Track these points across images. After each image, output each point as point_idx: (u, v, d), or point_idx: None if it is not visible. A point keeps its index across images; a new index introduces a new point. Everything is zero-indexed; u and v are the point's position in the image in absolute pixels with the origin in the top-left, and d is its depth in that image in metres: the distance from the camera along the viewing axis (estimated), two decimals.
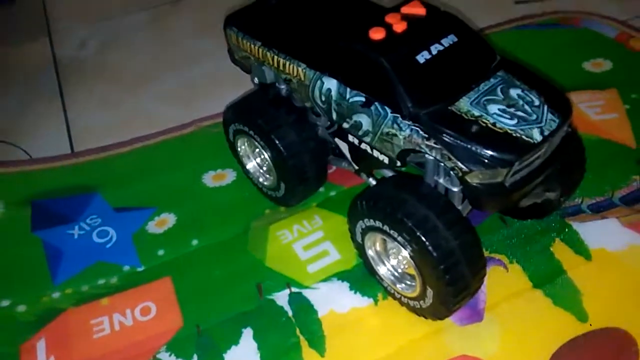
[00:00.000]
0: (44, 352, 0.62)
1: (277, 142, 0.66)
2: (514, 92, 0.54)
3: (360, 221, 0.59)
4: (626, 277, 0.63)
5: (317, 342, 0.61)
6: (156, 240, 0.74)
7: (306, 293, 0.65)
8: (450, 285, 0.53)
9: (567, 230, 0.68)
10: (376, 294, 0.64)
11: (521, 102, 0.54)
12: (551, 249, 0.66)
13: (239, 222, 0.75)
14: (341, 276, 0.67)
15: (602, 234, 0.67)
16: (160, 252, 0.72)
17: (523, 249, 0.67)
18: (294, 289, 0.66)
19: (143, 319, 0.65)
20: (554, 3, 1.11)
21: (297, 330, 0.62)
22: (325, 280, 0.67)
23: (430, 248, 0.52)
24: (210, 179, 0.82)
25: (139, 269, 0.71)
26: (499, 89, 0.55)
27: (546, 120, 0.53)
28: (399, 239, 0.54)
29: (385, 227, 0.55)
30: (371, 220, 0.57)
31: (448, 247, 0.52)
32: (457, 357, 0.58)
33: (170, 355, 0.61)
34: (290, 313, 0.64)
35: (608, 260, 0.65)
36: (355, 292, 0.65)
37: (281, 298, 0.65)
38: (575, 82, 0.89)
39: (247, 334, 0.62)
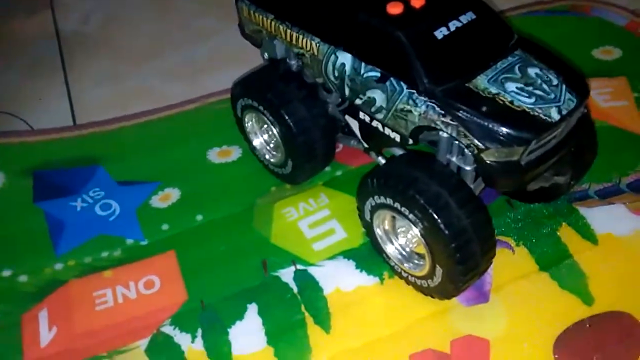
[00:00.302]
0: (46, 323, 0.61)
1: (286, 117, 0.65)
2: (532, 71, 0.54)
3: (370, 198, 0.59)
4: (632, 262, 0.63)
5: (323, 319, 0.60)
6: (160, 215, 0.73)
7: (312, 270, 0.65)
8: (461, 264, 0.53)
9: (574, 214, 0.68)
10: (382, 273, 0.64)
11: (539, 81, 0.53)
12: (558, 233, 0.66)
13: (244, 199, 0.74)
14: (347, 254, 0.66)
15: (609, 219, 0.67)
16: (164, 227, 0.72)
17: (530, 232, 0.66)
18: (299, 266, 0.66)
19: (147, 292, 0.64)
20: None
21: (302, 307, 0.62)
22: (331, 258, 0.66)
23: (442, 226, 0.52)
24: (215, 155, 0.81)
25: (143, 243, 0.70)
26: (516, 68, 0.54)
27: (564, 99, 0.52)
28: (410, 216, 0.54)
29: (396, 205, 0.55)
30: (382, 198, 0.57)
31: (460, 225, 0.52)
32: (463, 337, 0.58)
33: (174, 329, 0.61)
34: (295, 290, 0.63)
35: (614, 245, 0.65)
36: (361, 271, 0.64)
37: (286, 275, 0.65)
38: (584, 69, 0.87)
39: (252, 309, 0.62)
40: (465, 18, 0.55)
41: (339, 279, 0.64)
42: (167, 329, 0.61)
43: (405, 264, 0.60)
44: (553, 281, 0.62)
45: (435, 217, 0.52)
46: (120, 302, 0.63)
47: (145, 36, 1.10)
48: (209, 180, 0.78)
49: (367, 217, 0.62)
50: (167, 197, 0.76)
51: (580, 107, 0.53)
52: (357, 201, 0.62)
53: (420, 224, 0.54)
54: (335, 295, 0.63)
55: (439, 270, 0.55)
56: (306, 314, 0.61)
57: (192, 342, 0.59)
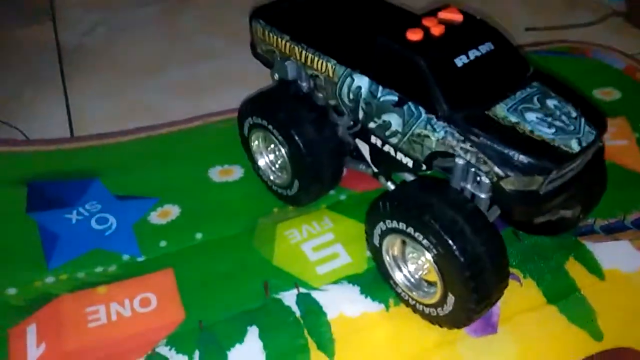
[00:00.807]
0: (35, 338, 0.58)
1: (296, 137, 0.65)
2: (550, 102, 0.54)
3: (381, 222, 0.58)
4: (639, 298, 0.62)
5: (326, 345, 0.58)
6: (158, 231, 0.71)
7: (315, 294, 0.63)
8: (475, 292, 0.51)
9: (580, 249, 0.67)
10: (387, 300, 0.62)
11: (558, 113, 0.53)
12: (565, 267, 0.66)
13: (246, 219, 0.72)
14: (352, 279, 0.65)
15: (614, 255, 0.66)
16: (162, 244, 0.69)
17: (537, 265, 0.66)
18: (302, 290, 0.64)
19: (142, 310, 0.61)
20: (562, 33, 1.14)
21: (305, 332, 0.59)
22: (335, 282, 0.64)
23: (457, 252, 0.51)
24: (216, 174, 0.80)
25: (139, 259, 0.67)
26: (535, 98, 0.54)
27: (584, 131, 0.52)
28: (424, 242, 0.53)
29: (410, 230, 0.54)
30: (394, 222, 0.56)
31: (475, 253, 0.51)
32: None
33: (170, 350, 0.58)
34: (298, 314, 0.61)
35: (621, 281, 0.64)
36: (366, 297, 0.63)
37: (289, 298, 0.63)
38: None
39: (253, 332, 0.59)
40: (484, 48, 0.55)
41: (343, 304, 0.62)
42: (163, 350, 0.58)
43: (414, 292, 0.59)
44: (561, 315, 0.61)
45: (451, 243, 0.51)
46: (113, 319, 0.60)
47: (149, 52, 1.10)
48: (209, 198, 0.76)
49: (376, 241, 0.60)
50: (166, 214, 0.74)
51: (598, 139, 0.53)
52: (366, 225, 0.61)
53: (434, 250, 0.52)
54: (340, 320, 0.60)
55: (450, 299, 0.54)
56: (309, 339, 0.59)
57: None
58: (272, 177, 0.74)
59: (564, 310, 0.61)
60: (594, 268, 0.65)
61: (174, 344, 0.58)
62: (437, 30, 0.55)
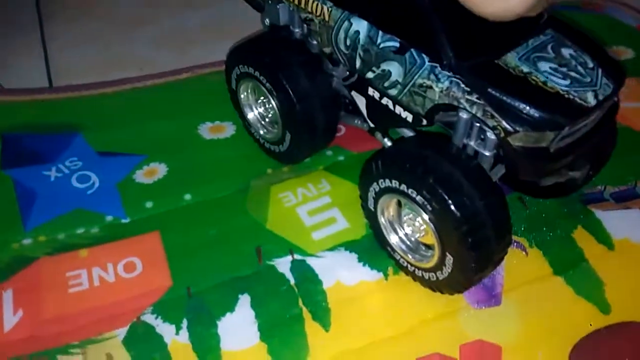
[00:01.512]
0: (11, 305, 0.55)
1: (284, 82, 0.60)
2: (565, 52, 0.50)
3: (375, 183, 0.54)
4: None
5: (322, 315, 0.55)
6: (144, 191, 0.67)
7: (310, 261, 0.60)
8: (473, 250, 0.48)
9: (589, 217, 0.64)
10: (387, 268, 0.59)
11: (574, 63, 0.49)
12: (573, 236, 0.63)
13: (238, 180, 0.68)
14: (349, 246, 0.61)
15: (625, 224, 0.63)
16: (149, 204, 0.65)
17: (543, 234, 0.63)
18: (297, 256, 0.60)
19: (127, 276, 0.58)
20: None
21: (300, 301, 0.56)
22: (331, 249, 0.61)
23: (452, 207, 0.47)
24: (206, 131, 0.75)
25: (124, 220, 0.63)
26: (549, 47, 0.50)
27: (601, 84, 0.48)
28: (418, 198, 0.49)
29: (403, 187, 0.50)
30: (387, 181, 0.52)
31: (473, 207, 0.47)
32: (473, 341, 0.54)
33: (156, 318, 0.54)
34: (292, 281, 0.58)
35: (631, 251, 0.61)
36: (364, 265, 0.59)
37: (283, 264, 0.59)
38: None
39: (244, 300, 0.56)
40: None
41: (340, 272, 0.59)
42: (149, 318, 0.55)
43: (411, 255, 0.56)
44: (568, 286, 0.58)
45: (446, 196, 0.47)
46: (96, 285, 0.57)
47: (134, 3, 1.02)
48: (199, 157, 0.71)
49: (371, 204, 0.57)
50: (152, 172, 0.69)
51: (616, 93, 0.49)
52: (360, 189, 0.57)
53: (429, 206, 0.49)
54: (336, 289, 0.57)
55: (449, 260, 0.51)
56: (304, 308, 0.56)
57: (177, 333, 0.53)
58: (262, 132, 0.69)
59: (571, 281, 0.58)
60: (603, 237, 0.62)
61: (161, 312, 0.55)
62: None
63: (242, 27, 0.92)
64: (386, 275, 0.59)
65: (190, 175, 0.69)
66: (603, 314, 0.56)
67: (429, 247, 0.55)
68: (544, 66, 0.48)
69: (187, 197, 0.66)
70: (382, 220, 0.57)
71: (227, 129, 0.75)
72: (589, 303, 0.57)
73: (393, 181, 0.51)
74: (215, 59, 0.86)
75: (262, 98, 0.68)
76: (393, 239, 0.57)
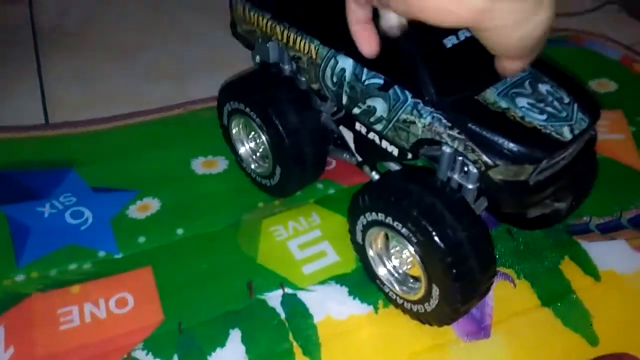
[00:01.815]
0: (2, 342, 0.55)
1: (274, 118, 0.61)
2: (542, 87, 0.51)
3: (362, 216, 0.55)
4: (636, 300, 0.61)
5: (312, 349, 0.56)
6: (137, 226, 0.67)
7: (301, 295, 0.60)
8: (458, 281, 0.49)
9: (575, 248, 0.65)
10: (377, 301, 0.60)
11: (550, 98, 0.50)
12: (560, 267, 0.63)
13: (229, 214, 0.69)
14: (339, 279, 0.62)
15: (611, 255, 0.64)
16: (141, 239, 0.66)
17: (531, 265, 0.63)
18: (287, 290, 0.61)
19: (118, 312, 0.58)
20: (562, 20, 1.10)
21: (290, 335, 0.57)
22: (322, 282, 0.62)
23: (436, 238, 0.48)
24: (199, 166, 0.76)
25: (117, 256, 0.64)
26: (527, 83, 0.51)
27: (576, 118, 0.50)
28: (403, 230, 0.50)
29: (389, 220, 0.51)
30: (373, 214, 0.53)
31: (456, 238, 0.48)
32: None
33: (147, 354, 0.55)
34: (282, 315, 0.58)
35: (617, 282, 0.62)
36: (354, 298, 0.60)
37: (273, 299, 0.60)
38: None
39: (235, 335, 0.56)
40: None
41: (331, 306, 0.59)
42: (139, 354, 0.55)
43: (399, 288, 0.56)
44: (556, 318, 0.58)
45: (430, 229, 0.48)
46: (87, 321, 0.57)
47: (129, 35, 1.05)
48: (192, 191, 0.72)
49: (359, 238, 0.58)
50: (145, 208, 0.70)
51: (591, 127, 0.51)
52: (348, 221, 0.59)
53: (414, 238, 0.50)
54: (326, 323, 0.58)
55: (435, 291, 0.51)
56: (294, 343, 0.56)
57: None
58: (253, 166, 0.71)
59: (559, 313, 0.59)
60: (589, 269, 0.63)
61: (151, 348, 0.55)
62: None
63: (236, 61, 0.94)
64: (376, 309, 0.59)
65: (182, 210, 0.70)
66: (591, 345, 0.56)
67: (416, 279, 0.56)
68: (522, 102, 0.50)
69: (180, 231, 0.67)
70: (370, 253, 0.58)
71: (220, 164, 0.76)
72: (577, 335, 0.57)
73: (379, 214, 0.52)
74: (209, 94, 0.88)
75: (253, 133, 0.70)
76: (381, 271, 0.58)
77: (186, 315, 0.58)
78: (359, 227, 0.57)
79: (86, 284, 0.61)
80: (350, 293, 0.60)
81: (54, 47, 1.01)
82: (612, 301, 0.60)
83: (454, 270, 0.49)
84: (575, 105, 0.51)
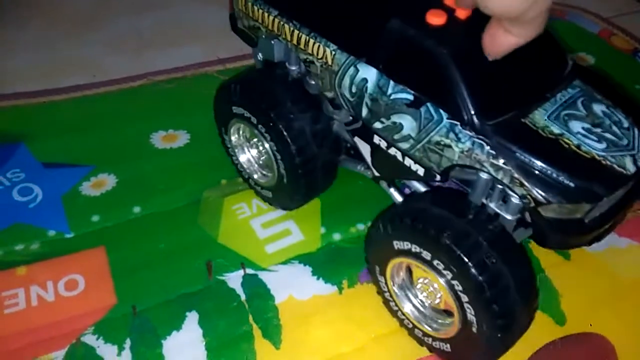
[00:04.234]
0: None
1: (279, 124, 0.54)
2: (597, 108, 0.45)
3: (396, 241, 0.47)
4: (605, 279, 0.59)
5: (272, 332, 0.53)
6: (91, 204, 0.64)
7: (263, 275, 0.58)
8: (499, 318, 0.43)
9: None
10: (341, 282, 0.58)
11: (608, 122, 0.44)
12: (530, 245, 0.62)
13: (190, 191, 0.66)
14: (303, 259, 0.59)
15: None
16: (95, 218, 0.62)
17: None
18: (249, 270, 0.58)
19: (68, 294, 0.55)
20: None
21: (250, 318, 0.54)
22: (285, 262, 0.59)
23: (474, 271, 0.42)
24: (159, 140, 0.72)
25: (67, 235, 0.60)
26: (579, 103, 0.45)
27: (639, 147, 0.43)
28: (435, 262, 0.44)
29: (416, 249, 0.45)
30: (400, 242, 0.47)
31: (497, 272, 0.42)
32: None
33: (97, 339, 0.52)
34: (243, 297, 0.56)
35: (587, 260, 0.61)
36: (318, 278, 0.58)
37: (234, 279, 0.57)
38: None
39: (192, 318, 0.54)
40: None
41: (293, 286, 0.57)
42: (89, 339, 0.52)
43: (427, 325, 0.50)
44: None
45: (467, 262, 0.42)
46: (34, 305, 0.54)
47: (88, 4, 0.99)
48: (150, 167, 0.69)
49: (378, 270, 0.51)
50: (100, 184, 0.66)
51: None
52: (366, 251, 0.52)
53: (447, 271, 0.44)
54: (288, 304, 0.56)
55: (472, 328, 0.45)
56: (254, 325, 0.54)
57: (119, 355, 0.51)
58: (256, 176, 0.63)
59: None
60: None
61: (103, 332, 0.52)
62: (463, 12, 0.44)
63: (203, 30, 0.89)
64: (341, 289, 0.57)
65: (140, 187, 0.66)
66: (558, 325, 0.55)
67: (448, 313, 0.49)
68: (576, 126, 0.43)
69: (137, 209, 0.64)
70: (393, 287, 0.52)
71: (181, 138, 0.73)
72: (544, 314, 0.56)
73: (413, 245, 0.46)
74: (172, 65, 0.84)
75: (255, 140, 0.62)
76: (407, 307, 0.52)
77: (141, 298, 0.55)
78: (382, 254, 0.50)
79: (33, 265, 0.57)
80: (314, 273, 0.58)
81: (6, 15, 0.95)
82: (581, 280, 0.59)
83: (499, 321, 0.43)
84: (636, 131, 0.45)
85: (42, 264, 0.57)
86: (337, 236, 0.62)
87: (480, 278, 0.41)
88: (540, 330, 0.55)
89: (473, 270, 0.42)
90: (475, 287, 0.42)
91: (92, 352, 0.51)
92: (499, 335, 0.43)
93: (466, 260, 0.42)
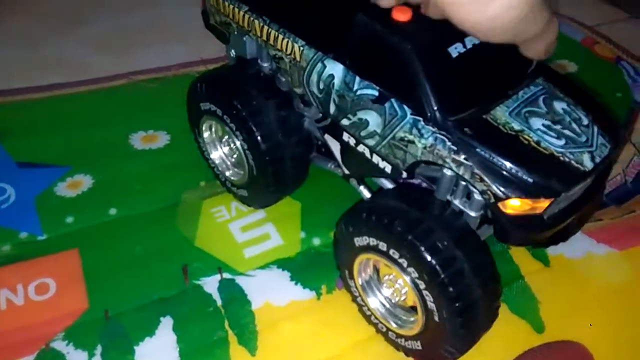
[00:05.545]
0: None
1: (255, 130, 0.53)
2: (558, 105, 0.45)
3: (356, 237, 0.48)
4: (584, 286, 0.59)
5: (248, 338, 0.52)
6: (65, 205, 0.62)
7: (240, 280, 0.57)
8: (461, 316, 0.44)
9: None
10: (319, 287, 0.57)
11: (568, 119, 0.44)
12: (510, 252, 0.62)
13: (168, 193, 0.65)
14: (282, 264, 0.59)
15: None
16: (69, 219, 0.61)
17: None
18: (225, 275, 0.57)
19: (38, 298, 0.54)
20: None
21: (226, 323, 0.53)
22: (263, 267, 0.58)
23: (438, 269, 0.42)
24: (138, 140, 0.71)
25: (40, 238, 0.59)
26: (540, 100, 0.45)
27: (597, 144, 0.44)
28: (399, 258, 0.45)
29: (382, 245, 0.45)
30: (365, 238, 0.47)
31: (459, 270, 0.43)
32: None
33: (67, 345, 0.51)
34: (219, 302, 0.55)
35: (566, 267, 0.61)
36: (296, 283, 0.57)
37: (210, 284, 0.56)
38: None
39: (166, 323, 0.53)
40: None
41: (271, 291, 0.56)
42: (59, 345, 0.51)
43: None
44: (503, 304, 0.56)
45: (429, 259, 0.43)
46: (2, 308, 0.53)
47: (73, 1, 0.98)
48: (128, 168, 0.68)
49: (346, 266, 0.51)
50: (76, 185, 0.65)
51: (613, 153, 0.45)
52: (335, 248, 0.52)
53: (410, 268, 0.44)
54: (265, 309, 0.55)
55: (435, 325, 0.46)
56: (230, 331, 0.53)
57: None
58: (228, 174, 0.63)
59: (506, 298, 0.57)
60: (538, 253, 0.62)
61: (73, 338, 0.51)
62: None
63: (184, 30, 0.88)
64: (319, 295, 0.56)
65: (117, 188, 0.65)
66: (537, 332, 0.55)
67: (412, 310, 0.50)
68: (537, 123, 0.44)
69: (112, 211, 0.62)
70: (359, 281, 0.52)
71: (161, 139, 0.72)
72: (523, 321, 0.56)
73: (371, 239, 0.46)
74: (153, 65, 0.83)
75: (226, 137, 0.61)
76: (373, 303, 0.52)
77: (114, 302, 0.54)
78: (346, 254, 0.51)
79: (4, 268, 0.56)
80: (292, 278, 0.57)
81: None
82: (560, 287, 0.59)
83: (457, 304, 0.43)
84: (595, 128, 0.45)
85: (13, 266, 0.56)
86: (316, 241, 0.61)
87: (433, 262, 0.42)
88: (519, 338, 0.54)
89: (425, 254, 0.42)
90: (429, 271, 0.43)
91: (61, 358, 0.50)
92: (460, 320, 0.44)
93: (418, 244, 0.43)
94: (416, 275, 0.44)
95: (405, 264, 0.45)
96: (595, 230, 0.64)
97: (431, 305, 0.45)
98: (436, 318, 0.45)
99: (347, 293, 0.55)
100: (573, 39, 0.97)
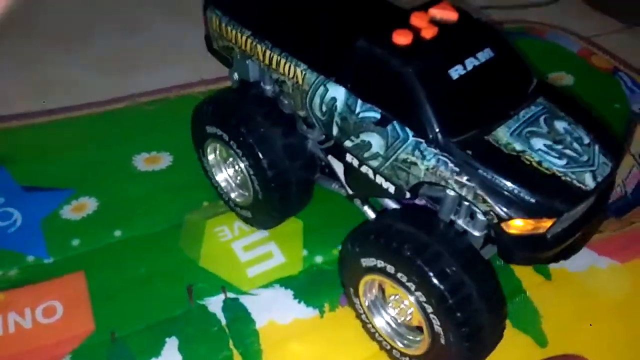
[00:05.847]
0: None
1: (260, 155, 0.54)
2: (559, 125, 0.46)
3: (363, 258, 0.48)
4: (586, 300, 0.60)
5: (253, 357, 0.53)
6: (70, 228, 0.63)
7: (244, 299, 0.57)
8: (468, 341, 0.44)
9: None
10: (323, 305, 0.57)
11: (569, 139, 0.45)
12: (511, 266, 0.62)
13: (172, 214, 0.66)
14: (285, 282, 0.59)
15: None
16: (75, 242, 0.62)
17: None
18: (229, 294, 0.58)
19: (45, 321, 0.54)
20: (519, 12, 1.09)
21: (231, 343, 0.54)
22: (266, 286, 0.59)
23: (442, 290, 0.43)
24: (141, 162, 0.72)
25: (46, 261, 0.60)
26: (542, 120, 0.46)
27: (598, 163, 0.44)
28: (405, 280, 0.45)
29: (389, 268, 0.46)
30: (371, 260, 0.47)
31: (466, 293, 0.43)
32: None
33: None
34: (223, 322, 0.55)
35: (568, 280, 0.61)
36: (299, 302, 0.57)
37: (214, 304, 0.57)
38: None
39: (171, 344, 0.53)
40: (483, 55, 0.46)
41: (274, 310, 0.57)
42: None
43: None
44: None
45: (435, 281, 0.43)
46: (11, 332, 0.53)
47: (72, 20, 0.99)
48: (132, 190, 0.68)
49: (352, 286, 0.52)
50: (81, 208, 0.66)
51: (614, 171, 0.46)
52: (340, 268, 0.53)
53: (416, 288, 0.44)
54: (269, 328, 0.55)
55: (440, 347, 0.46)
56: (234, 351, 0.53)
57: None
58: (233, 196, 0.63)
59: (509, 313, 0.57)
60: (540, 267, 0.62)
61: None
62: (428, 32, 0.46)
63: (186, 52, 0.90)
64: (322, 313, 0.57)
65: (122, 210, 0.66)
66: (540, 346, 0.55)
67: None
68: (538, 143, 0.44)
69: (117, 233, 0.63)
70: (365, 301, 0.52)
71: (164, 160, 0.73)
72: (525, 335, 0.56)
73: (378, 260, 0.47)
74: (155, 87, 0.84)
75: (231, 159, 0.62)
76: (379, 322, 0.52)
77: (120, 324, 0.55)
78: (352, 274, 0.51)
79: (11, 291, 0.56)
80: (295, 296, 0.58)
81: None
82: (562, 300, 0.59)
83: (464, 329, 0.44)
84: (597, 147, 0.46)
85: (21, 290, 0.57)
86: (319, 258, 0.62)
87: (441, 287, 0.43)
88: (521, 352, 0.55)
89: (434, 279, 0.43)
90: (437, 297, 0.43)
91: None
92: (467, 344, 0.44)
93: (426, 269, 0.43)
94: (424, 299, 0.44)
95: (413, 288, 0.45)
96: (596, 243, 0.64)
97: (438, 328, 0.45)
98: (442, 341, 0.45)
99: (350, 310, 0.56)
100: (569, 50, 0.98)
